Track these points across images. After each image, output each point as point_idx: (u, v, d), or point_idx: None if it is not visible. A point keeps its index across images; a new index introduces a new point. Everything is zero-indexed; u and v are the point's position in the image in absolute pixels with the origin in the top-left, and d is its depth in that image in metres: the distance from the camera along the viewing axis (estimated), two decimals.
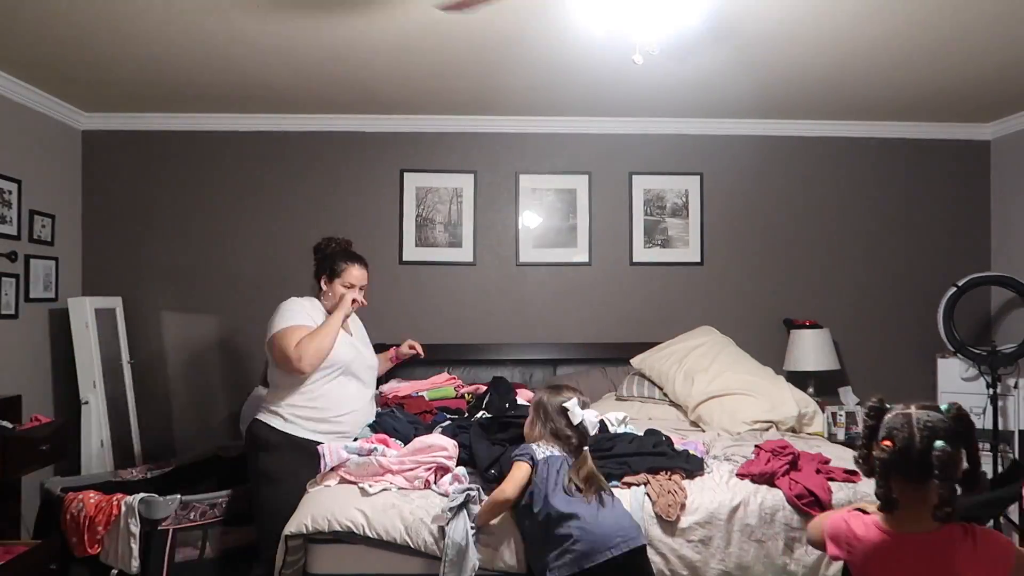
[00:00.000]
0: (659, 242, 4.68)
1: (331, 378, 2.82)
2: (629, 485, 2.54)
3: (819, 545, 1.81)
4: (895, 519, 1.63)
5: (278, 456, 2.73)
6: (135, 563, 3.02)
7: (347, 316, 2.87)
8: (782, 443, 2.83)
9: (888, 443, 1.60)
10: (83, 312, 4.03)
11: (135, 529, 3.04)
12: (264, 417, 2.81)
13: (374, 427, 3.11)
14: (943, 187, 4.73)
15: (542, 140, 4.66)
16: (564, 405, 2.42)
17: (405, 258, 4.61)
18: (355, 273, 2.92)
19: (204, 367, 4.53)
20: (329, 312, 2.87)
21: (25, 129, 4.00)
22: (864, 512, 1.72)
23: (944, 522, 1.55)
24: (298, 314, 2.79)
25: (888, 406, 1.67)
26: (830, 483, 2.56)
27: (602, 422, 2.77)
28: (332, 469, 2.58)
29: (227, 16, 3.03)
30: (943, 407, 1.62)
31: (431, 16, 2.98)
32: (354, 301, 2.90)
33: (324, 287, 2.92)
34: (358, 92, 4.05)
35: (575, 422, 2.41)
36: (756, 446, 2.90)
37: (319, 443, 2.65)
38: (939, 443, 1.54)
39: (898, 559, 1.60)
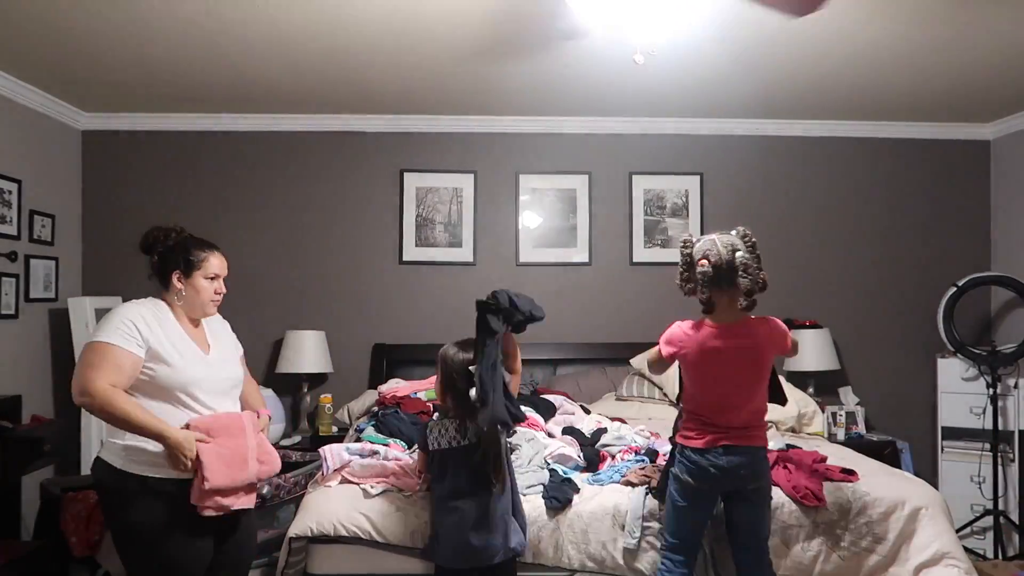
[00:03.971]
0: (659, 242, 4.68)
1: (175, 405, 2.16)
2: (631, 485, 2.54)
3: (656, 361, 2.36)
4: (714, 318, 2.25)
5: (127, 504, 2.09)
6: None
7: (175, 448, 2.05)
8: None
9: (704, 261, 2.19)
10: (83, 312, 4.03)
11: None
12: (104, 453, 2.17)
13: (379, 427, 3.12)
14: (943, 187, 4.73)
15: (542, 140, 4.66)
16: (471, 369, 2.21)
17: (405, 258, 4.60)
18: (216, 262, 2.41)
19: None
20: (188, 314, 2.35)
21: (25, 129, 4.00)
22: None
23: (749, 310, 2.19)
24: (124, 329, 2.14)
25: (693, 239, 2.27)
26: (827, 483, 2.56)
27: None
28: (335, 471, 2.58)
29: (227, 16, 3.03)
30: (732, 231, 2.25)
31: (431, 16, 2.98)
32: (214, 301, 2.40)
33: (178, 285, 2.32)
34: (358, 92, 4.05)
35: (457, 381, 2.24)
36: None
37: (177, 480, 2.09)
38: (739, 253, 2.18)
39: (721, 340, 2.23)
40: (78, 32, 3.18)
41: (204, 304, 2.39)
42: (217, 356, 2.36)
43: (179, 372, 2.19)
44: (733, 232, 2.25)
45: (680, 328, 2.32)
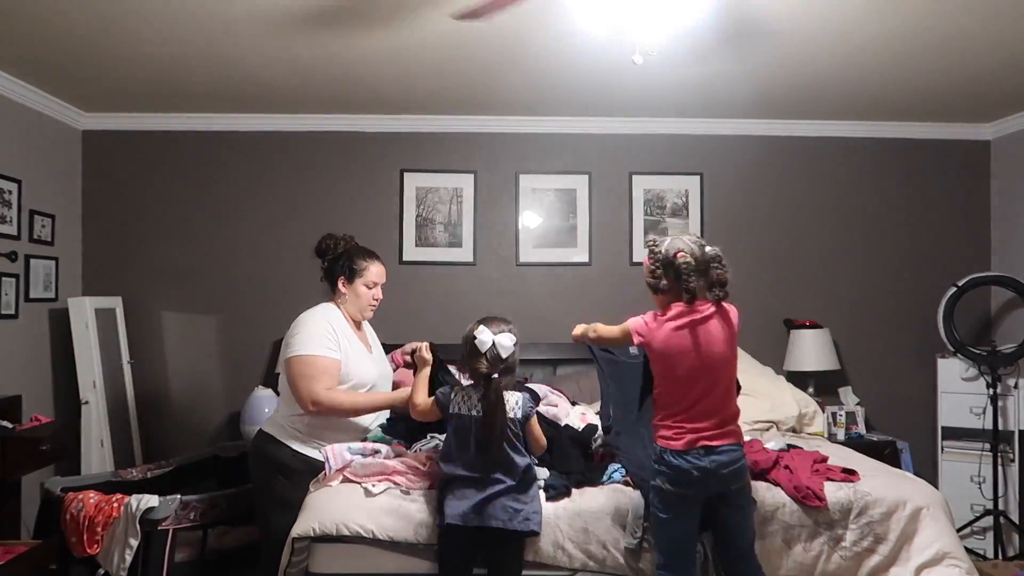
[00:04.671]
0: None
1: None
2: (634, 485, 2.54)
3: (621, 339, 2.40)
4: (683, 305, 2.27)
5: (297, 482, 2.53)
6: (124, 569, 3.00)
7: (402, 402, 2.56)
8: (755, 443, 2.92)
9: (682, 254, 2.24)
10: (83, 312, 4.03)
11: (135, 529, 3.04)
12: (282, 436, 2.61)
13: (386, 430, 3.11)
14: (943, 187, 4.73)
15: (542, 140, 4.66)
16: (474, 334, 2.34)
17: (405, 258, 4.60)
18: (375, 271, 2.74)
19: (204, 367, 4.53)
20: (352, 316, 2.71)
21: (25, 129, 4.00)
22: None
23: (720, 300, 2.27)
24: (321, 338, 2.55)
25: (654, 238, 2.37)
26: (828, 483, 2.56)
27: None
28: (337, 471, 2.58)
29: (227, 16, 3.03)
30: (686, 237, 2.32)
31: (432, 17, 2.97)
32: (372, 306, 2.77)
33: (343, 289, 2.69)
34: (358, 92, 4.05)
35: (482, 350, 2.31)
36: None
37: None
38: (707, 247, 2.28)
39: (687, 326, 2.25)
40: (78, 32, 3.18)
41: (363, 309, 2.74)
42: (378, 354, 2.79)
43: (354, 369, 2.58)
44: (687, 238, 2.33)
45: (643, 320, 2.34)
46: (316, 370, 2.47)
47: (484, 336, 2.33)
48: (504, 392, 2.33)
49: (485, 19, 2.65)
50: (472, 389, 2.36)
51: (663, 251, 2.27)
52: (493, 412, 2.27)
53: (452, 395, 2.38)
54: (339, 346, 2.56)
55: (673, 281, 2.24)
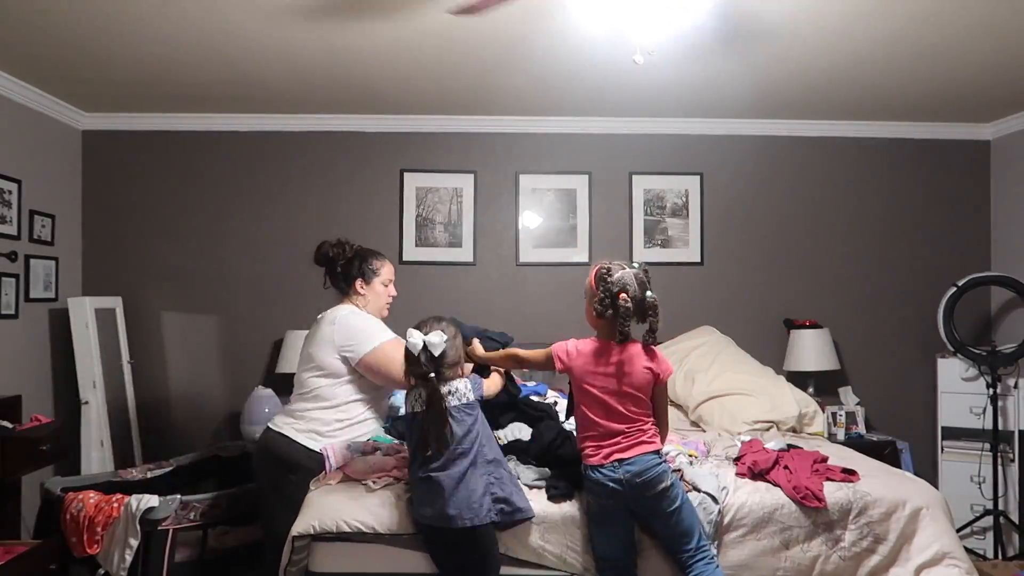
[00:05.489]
0: (659, 242, 4.68)
1: (376, 396, 2.77)
2: None
3: (544, 363, 2.42)
4: (606, 338, 2.35)
5: (308, 480, 2.56)
6: (124, 569, 3.01)
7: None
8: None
9: (624, 296, 2.28)
10: (83, 312, 4.03)
11: (135, 529, 3.04)
12: (296, 435, 2.65)
13: (388, 429, 3.11)
14: (943, 187, 4.73)
15: (542, 140, 4.66)
16: (405, 337, 2.36)
17: (405, 258, 4.60)
18: (389, 268, 2.84)
19: (204, 367, 4.53)
20: (373, 316, 2.79)
21: (25, 129, 4.00)
22: None
23: (651, 343, 2.35)
24: (383, 327, 2.74)
25: (608, 266, 2.34)
26: (828, 483, 2.55)
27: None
28: (337, 469, 2.58)
29: (227, 16, 3.03)
30: (634, 265, 2.38)
31: (431, 16, 2.97)
32: (388, 304, 2.88)
33: (362, 291, 2.78)
34: (358, 92, 4.05)
35: (415, 352, 2.32)
36: (741, 441, 3.02)
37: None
38: (649, 293, 2.33)
39: (606, 357, 2.33)
40: (78, 32, 3.18)
41: (381, 308, 2.81)
42: None
43: None
44: (635, 266, 2.38)
45: (566, 346, 2.40)
46: (396, 352, 2.54)
47: (414, 339, 2.33)
48: (452, 382, 2.35)
49: (480, 14, 2.65)
50: (422, 388, 2.36)
51: (613, 284, 2.31)
52: (436, 413, 2.28)
53: (405, 400, 2.40)
54: None
55: (611, 317, 2.30)
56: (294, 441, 2.63)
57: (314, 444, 2.63)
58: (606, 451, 2.30)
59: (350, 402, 2.69)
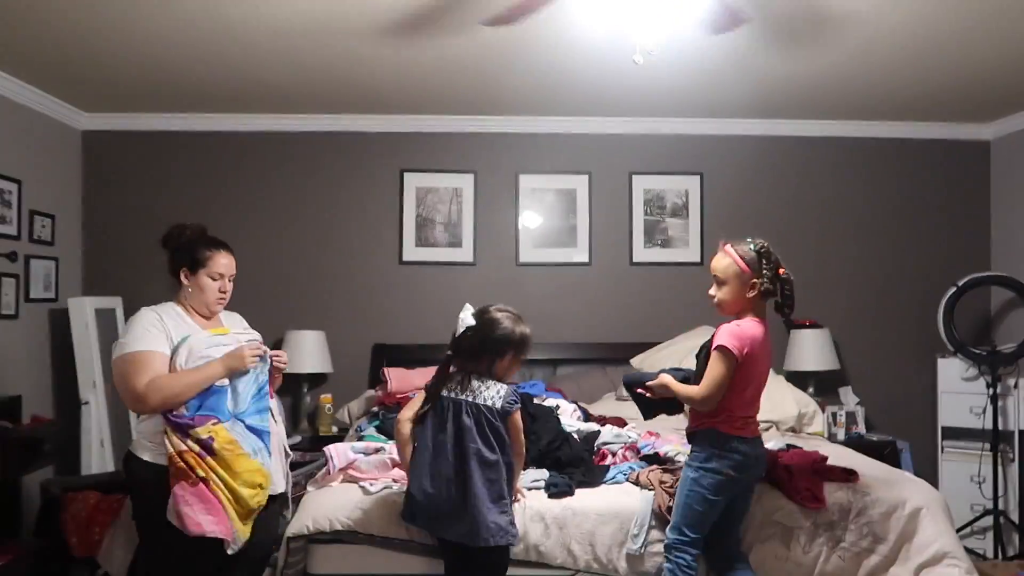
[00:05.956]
0: (659, 242, 4.68)
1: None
2: (639, 486, 2.53)
3: (726, 374, 2.25)
4: (759, 316, 2.39)
5: (155, 497, 2.18)
6: (124, 569, 3.01)
7: (235, 369, 2.26)
8: None
9: (784, 270, 2.39)
10: (83, 312, 4.02)
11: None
12: (135, 448, 2.32)
13: (380, 429, 3.12)
14: (943, 187, 4.73)
15: (542, 140, 4.66)
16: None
17: (405, 258, 4.60)
18: (222, 261, 2.44)
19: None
20: (197, 311, 2.40)
21: (25, 129, 4.00)
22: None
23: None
24: (151, 335, 2.26)
25: (761, 243, 2.41)
26: (828, 483, 2.55)
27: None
28: (340, 470, 2.58)
29: (227, 16, 3.03)
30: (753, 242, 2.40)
31: (431, 16, 2.97)
32: (220, 300, 2.43)
33: (185, 281, 2.40)
34: (358, 92, 4.05)
35: (458, 329, 2.29)
36: None
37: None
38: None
39: (765, 336, 2.36)
40: (78, 32, 3.18)
41: (209, 303, 2.42)
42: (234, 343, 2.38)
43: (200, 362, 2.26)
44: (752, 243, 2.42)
45: (740, 328, 2.32)
46: (135, 367, 2.19)
47: (463, 314, 2.31)
48: (485, 380, 2.28)
49: (516, 23, 2.64)
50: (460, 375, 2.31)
51: (774, 262, 2.36)
52: (467, 404, 2.24)
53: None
54: (171, 338, 2.28)
55: (772, 294, 2.34)
56: (132, 456, 2.33)
57: (146, 453, 2.27)
58: (753, 427, 2.36)
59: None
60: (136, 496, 2.33)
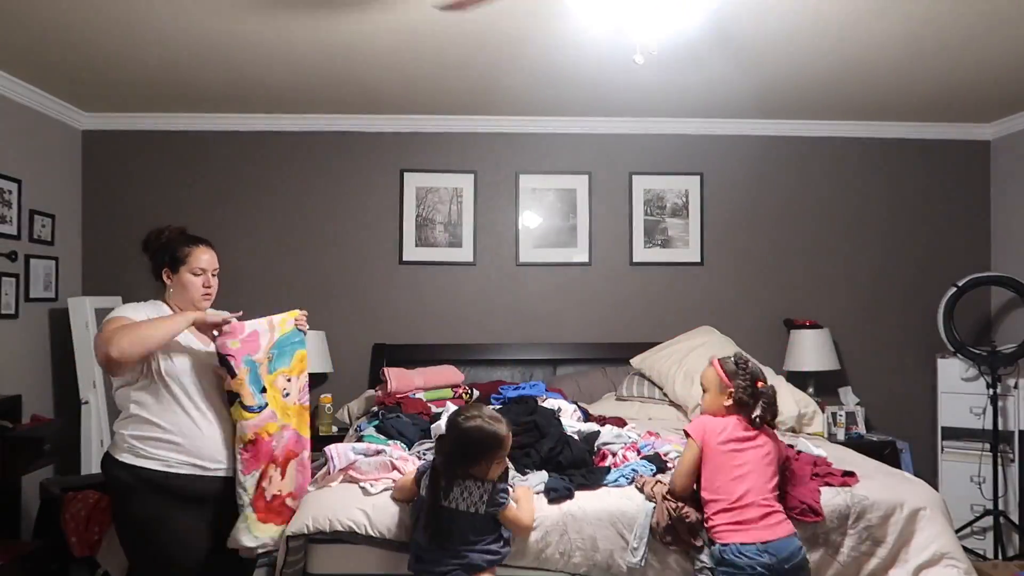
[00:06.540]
0: (659, 242, 4.68)
1: (173, 399, 2.29)
2: (641, 492, 2.52)
3: (689, 459, 2.39)
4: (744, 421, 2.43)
5: (131, 497, 2.23)
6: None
7: (199, 322, 2.31)
8: None
9: (762, 384, 2.45)
10: (83, 312, 4.03)
11: None
12: (112, 449, 2.31)
13: (380, 428, 3.12)
14: (943, 187, 4.73)
15: (542, 140, 4.66)
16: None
17: (405, 258, 4.61)
18: (203, 256, 2.41)
19: None
20: (184, 310, 2.39)
21: (25, 129, 4.00)
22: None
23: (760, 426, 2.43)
24: (139, 312, 2.30)
25: (735, 357, 2.50)
26: (826, 487, 2.54)
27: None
28: (340, 470, 2.57)
29: (227, 16, 3.03)
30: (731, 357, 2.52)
31: (431, 16, 2.97)
32: (206, 295, 2.42)
33: (168, 282, 2.39)
34: (358, 92, 4.05)
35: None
36: None
37: (178, 474, 2.25)
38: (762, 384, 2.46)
39: (738, 430, 2.39)
40: (78, 32, 3.18)
41: (194, 300, 2.41)
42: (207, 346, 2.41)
43: (176, 364, 2.31)
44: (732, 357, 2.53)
45: (703, 422, 2.45)
46: (114, 328, 2.18)
47: (443, 418, 2.36)
48: (467, 482, 2.22)
49: (467, 11, 2.62)
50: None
51: (753, 373, 2.45)
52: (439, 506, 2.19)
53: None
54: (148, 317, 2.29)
55: (746, 404, 2.41)
56: (111, 458, 2.31)
57: (125, 456, 2.27)
58: (757, 530, 2.30)
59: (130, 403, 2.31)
60: (114, 497, 2.32)
